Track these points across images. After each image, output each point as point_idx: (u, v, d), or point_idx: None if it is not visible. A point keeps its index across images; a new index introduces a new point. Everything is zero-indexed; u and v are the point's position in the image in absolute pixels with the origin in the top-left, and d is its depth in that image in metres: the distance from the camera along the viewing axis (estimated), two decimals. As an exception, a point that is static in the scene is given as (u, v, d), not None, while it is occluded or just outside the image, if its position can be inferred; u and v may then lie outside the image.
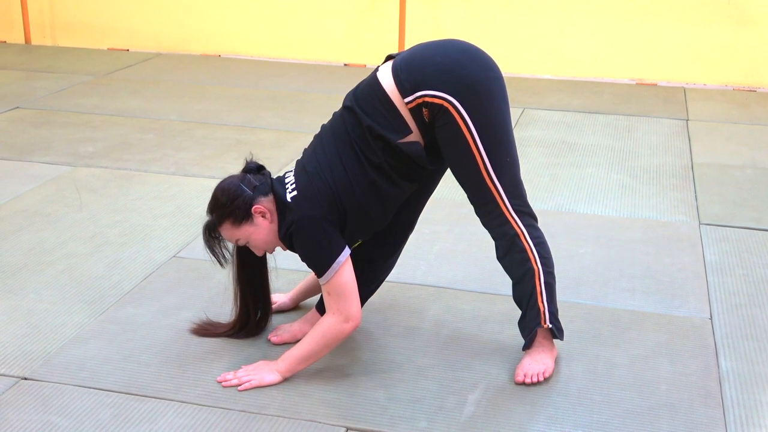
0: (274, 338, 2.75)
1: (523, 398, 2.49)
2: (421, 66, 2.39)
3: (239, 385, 2.48)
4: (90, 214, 3.70)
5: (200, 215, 3.62)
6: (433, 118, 2.37)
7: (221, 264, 2.63)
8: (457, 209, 3.73)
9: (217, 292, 3.04)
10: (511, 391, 2.52)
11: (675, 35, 5.98)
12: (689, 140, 4.81)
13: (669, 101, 5.62)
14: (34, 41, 6.88)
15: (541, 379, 2.54)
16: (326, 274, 2.41)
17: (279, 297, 2.94)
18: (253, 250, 2.55)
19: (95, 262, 3.27)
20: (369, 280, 2.76)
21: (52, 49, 6.75)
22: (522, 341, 2.62)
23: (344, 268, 2.42)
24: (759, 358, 2.72)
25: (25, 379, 2.54)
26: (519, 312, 2.64)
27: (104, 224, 3.60)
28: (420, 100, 2.35)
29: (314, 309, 2.80)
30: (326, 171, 2.44)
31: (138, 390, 2.48)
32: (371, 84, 2.43)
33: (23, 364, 2.61)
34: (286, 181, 2.49)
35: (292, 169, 2.55)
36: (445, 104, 2.34)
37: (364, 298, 2.77)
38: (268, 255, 2.65)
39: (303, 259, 2.50)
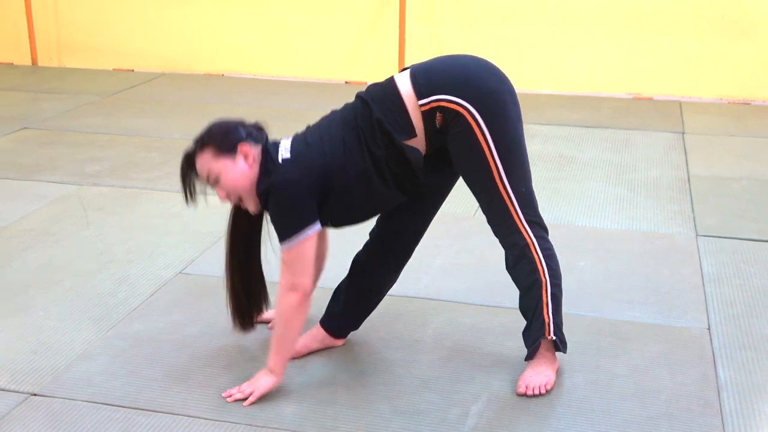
0: None
1: (525, 410, 2.49)
2: (441, 73, 2.41)
3: (244, 399, 2.47)
4: (97, 232, 3.71)
5: (205, 232, 3.67)
6: (447, 124, 2.38)
7: (187, 200, 2.60)
8: (458, 224, 3.75)
9: (222, 308, 3.04)
10: (514, 402, 2.52)
11: (670, 50, 6.01)
12: (685, 153, 4.82)
13: (665, 115, 5.64)
14: (41, 62, 6.91)
15: (543, 391, 2.54)
16: (289, 241, 2.37)
17: (270, 313, 2.86)
18: (217, 191, 2.49)
19: (102, 280, 3.28)
20: (372, 294, 2.77)
21: (58, 70, 6.78)
22: (524, 352, 2.62)
23: (308, 242, 2.39)
24: (757, 368, 2.73)
25: (35, 395, 2.54)
26: (521, 324, 2.64)
27: (111, 242, 3.62)
28: (435, 104, 2.36)
29: (318, 324, 2.79)
30: (326, 146, 2.42)
31: (145, 405, 2.48)
32: (386, 85, 2.44)
33: (32, 380, 2.61)
34: (281, 145, 2.46)
35: (289, 137, 2.52)
36: (462, 111, 2.35)
37: (367, 312, 2.79)
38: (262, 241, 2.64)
39: (273, 221, 2.45)
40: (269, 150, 2.45)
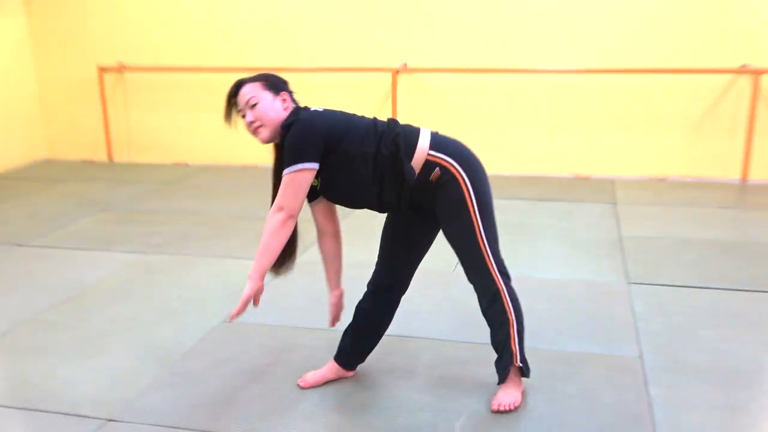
0: (302, 383, 2.74)
1: (498, 424, 2.49)
2: (450, 144, 2.47)
3: (239, 312, 2.37)
4: (158, 290, 3.74)
5: (242, 288, 3.67)
6: (440, 181, 2.40)
7: (227, 118, 2.50)
8: (440, 277, 3.77)
9: (257, 348, 3.06)
10: (489, 418, 2.52)
11: (603, 140, 6.08)
12: (617, 219, 4.86)
13: (600, 190, 5.69)
14: (116, 159, 6.98)
15: (512, 408, 2.54)
16: (292, 167, 2.31)
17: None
18: (248, 114, 2.42)
19: (163, 328, 3.30)
20: (373, 334, 2.77)
21: (129, 164, 6.85)
22: (496, 378, 2.62)
23: (306, 173, 2.33)
24: (680, 386, 2.73)
25: (111, 420, 2.54)
26: (493, 356, 2.65)
27: (169, 298, 3.63)
28: (440, 160, 2.40)
29: (332, 360, 2.79)
30: (354, 119, 2.44)
31: (197, 426, 2.49)
32: (413, 127, 2.49)
33: (109, 409, 2.62)
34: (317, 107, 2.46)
35: None
36: (458, 175, 2.40)
37: (370, 348, 2.79)
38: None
39: (286, 149, 2.36)
40: (301, 108, 2.45)
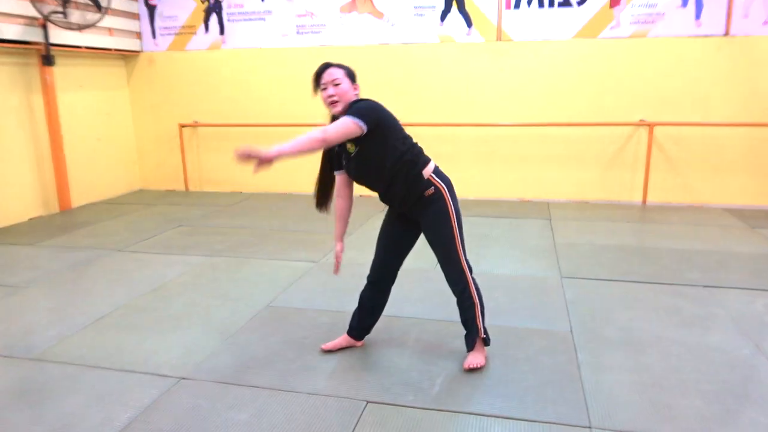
0: (324, 347, 2.71)
1: (467, 380, 2.45)
2: (442, 173, 2.48)
3: (246, 153, 1.99)
4: (220, 283, 3.70)
5: (283, 280, 3.65)
6: (434, 197, 2.40)
7: (315, 90, 2.38)
8: (425, 273, 3.73)
9: (294, 325, 3.02)
10: (461, 377, 2.48)
11: (541, 173, 6.07)
12: (552, 231, 4.83)
13: (540, 210, 5.67)
14: (191, 188, 6.98)
15: (479, 366, 2.51)
16: (351, 117, 2.21)
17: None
18: (330, 89, 2.30)
19: (223, 310, 3.26)
20: (375, 312, 2.71)
21: (200, 192, 6.85)
22: (465, 348, 2.59)
23: (355, 127, 2.21)
24: (600, 353, 2.69)
25: (183, 378, 2.50)
26: (463, 332, 2.62)
27: (228, 288, 3.60)
28: (436, 182, 2.41)
29: (345, 334, 2.75)
30: (398, 122, 2.37)
31: (249, 383, 2.45)
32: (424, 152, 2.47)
33: (182, 370, 2.58)
34: None
35: None
36: (445, 196, 2.42)
37: (373, 323, 2.73)
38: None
39: (351, 108, 2.27)
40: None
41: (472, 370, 2.50)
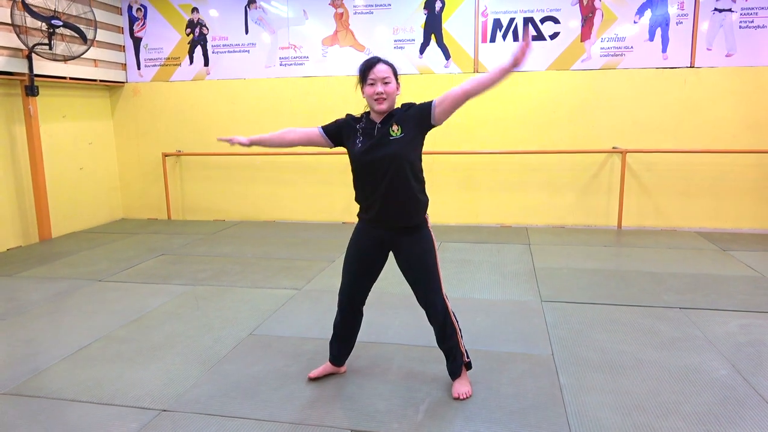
0: (310, 375, 2.65)
1: (451, 406, 2.41)
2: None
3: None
4: (203, 312, 3.63)
5: (266, 309, 3.59)
6: (424, 222, 2.39)
7: (359, 85, 2.32)
8: (407, 299, 3.71)
9: (276, 353, 2.96)
10: (444, 402, 2.45)
11: (520, 199, 6.13)
12: (531, 255, 4.86)
13: (519, 235, 5.71)
14: (173, 217, 6.89)
15: (468, 395, 2.46)
16: (432, 100, 2.26)
17: (240, 138, 2.42)
18: (380, 86, 2.23)
19: (205, 340, 3.19)
20: (351, 338, 2.64)
21: (182, 221, 6.76)
22: (448, 373, 2.55)
23: (431, 104, 2.27)
24: (582, 375, 2.68)
25: (165, 410, 2.42)
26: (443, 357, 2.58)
27: (210, 317, 3.52)
28: (424, 211, 2.40)
29: (327, 362, 2.70)
30: None
31: (232, 414, 2.38)
32: None
33: (163, 401, 2.50)
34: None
35: None
36: (430, 228, 2.42)
37: (350, 349, 2.66)
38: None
39: (419, 106, 2.27)
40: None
41: (462, 399, 2.46)
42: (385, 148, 2.24)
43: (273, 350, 3.00)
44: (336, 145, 2.41)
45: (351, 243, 2.49)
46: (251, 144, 2.38)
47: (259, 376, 2.71)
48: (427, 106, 2.28)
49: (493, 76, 2.18)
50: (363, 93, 2.30)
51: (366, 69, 2.26)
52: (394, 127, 2.25)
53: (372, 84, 2.24)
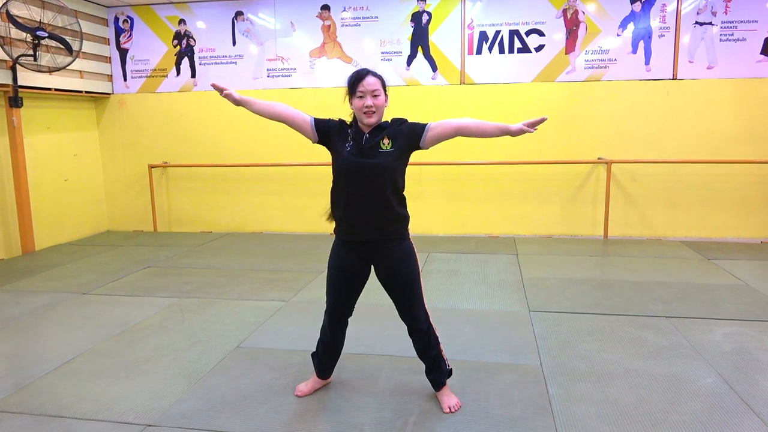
0: (298, 393, 2.62)
1: (439, 417, 2.40)
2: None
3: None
4: (188, 325, 3.58)
5: (253, 322, 3.56)
6: (406, 234, 2.36)
7: (348, 98, 2.29)
8: (394, 311, 3.69)
9: (263, 366, 2.93)
10: (433, 413, 2.43)
11: (508, 209, 6.16)
12: (519, 265, 4.87)
13: (507, 245, 5.73)
14: (159, 229, 6.83)
15: (459, 406, 2.46)
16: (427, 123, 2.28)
17: (232, 92, 2.31)
18: (370, 99, 2.21)
19: (191, 353, 3.15)
20: (336, 350, 2.60)
21: (169, 233, 6.70)
22: (429, 384, 2.54)
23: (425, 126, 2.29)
24: (570, 385, 2.68)
25: (150, 425, 2.38)
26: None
27: (196, 330, 3.49)
28: (405, 226, 2.36)
29: (314, 375, 2.67)
30: None
31: (219, 427, 2.35)
32: None
33: (148, 417, 2.46)
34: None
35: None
36: (413, 244, 2.39)
37: (336, 360, 2.62)
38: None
39: (411, 125, 2.27)
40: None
41: (454, 412, 2.44)
42: (373, 159, 2.22)
43: (260, 363, 2.97)
44: (319, 141, 2.31)
45: (331, 264, 2.43)
46: (239, 103, 2.26)
47: (246, 390, 2.67)
48: (420, 128, 2.27)
49: (493, 128, 2.20)
50: (351, 104, 2.28)
51: (355, 81, 2.23)
52: (386, 140, 2.23)
53: (361, 97, 2.22)
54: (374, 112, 2.23)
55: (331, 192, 2.34)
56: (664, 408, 2.46)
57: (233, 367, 2.94)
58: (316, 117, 2.35)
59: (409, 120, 2.33)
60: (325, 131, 2.32)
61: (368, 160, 2.22)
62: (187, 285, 4.44)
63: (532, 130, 2.16)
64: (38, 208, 5.87)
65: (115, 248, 5.85)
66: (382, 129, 2.28)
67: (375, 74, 2.26)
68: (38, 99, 5.89)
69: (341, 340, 2.59)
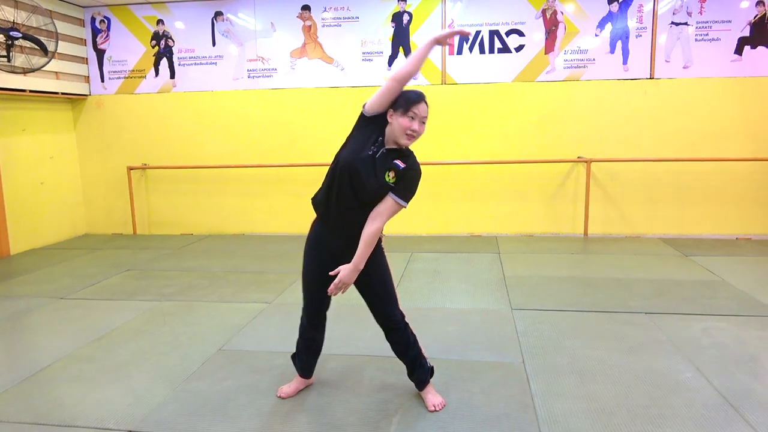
0: (281, 394, 2.61)
1: (423, 416, 2.40)
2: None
3: (341, 290, 2.22)
4: (169, 328, 3.54)
5: (235, 324, 3.53)
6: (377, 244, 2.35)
7: (402, 111, 2.21)
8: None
9: (246, 369, 2.90)
10: (417, 412, 2.44)
11: (489, 208, 6.19)
12: (501, 264, 4.90)
13: (489, 244, 5.76)
14: (139, 232, 6.74)
15: (444, 404, 2.47)
16: (401, 199, 2.24)
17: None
18: (417, 125, 2.19)
19: (173, 356, 3.11)
20: (316, 350, 2.59)
21: (149, 236, 6.62)
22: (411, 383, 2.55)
23: (399, 208, 2.28)
24: (552, 382, 2.71)
25: (131, 431, 2.34)
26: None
27: (178, 333, 3.45)
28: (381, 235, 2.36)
29: (297, 376, 2.66)
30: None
31: (203, 431, 2.32)
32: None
33: (129, 422, 2.42)
34: None
35: None
36: (384, 246, 2.39)
37: (316, 359, 2.62)
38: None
39: (413, 170, 2.28)
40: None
41: (439, 410, 2.45)
42: (376, 178, 2.20)
43: (243, 365, 2.95)
44: (374, 114, 2.25)
45: (306, 260, 2.41)
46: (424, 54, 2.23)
47: (229, 393, 2.65)
48: (398, 194, 2.23)
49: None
50: (392, 118, 2.21)
51: (413, 102, 2.19)
52: (391, 174, 2.22)
53: (412, 118, 2.18)
54: (415, 138, 2.21)
55: (326, 183, 2.29)
56: (644, 403, 2.50)
57: (216, 370, 2.91)
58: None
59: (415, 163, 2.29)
60: (380, 115, 2.27)
61: (371, 174, 2.20)
62: (168, 288, 4.39)
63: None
64: (13, 212, 5.76)
65: (93, 252, 5.76)
66: (398, 153, 2.24)
67: (427, 104, 2.23)
68: (13, 101, 5.77)
69: (323, 335, 2.57)
